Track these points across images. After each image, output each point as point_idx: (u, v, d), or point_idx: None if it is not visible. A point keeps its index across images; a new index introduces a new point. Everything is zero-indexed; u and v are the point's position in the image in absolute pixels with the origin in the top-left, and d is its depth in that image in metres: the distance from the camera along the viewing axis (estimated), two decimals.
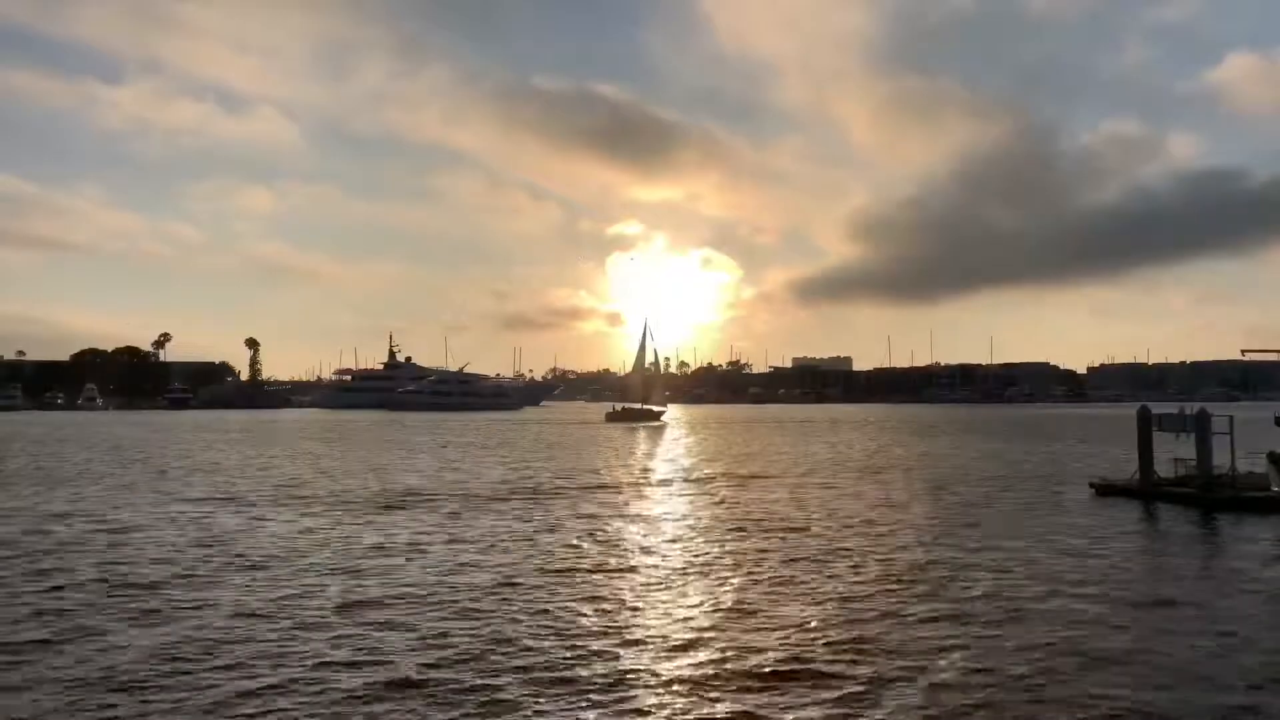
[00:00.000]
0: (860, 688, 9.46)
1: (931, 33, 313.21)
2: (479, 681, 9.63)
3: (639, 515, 23.04)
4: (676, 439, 62.64)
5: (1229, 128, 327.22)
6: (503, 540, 18.77)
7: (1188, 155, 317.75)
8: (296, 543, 18.49)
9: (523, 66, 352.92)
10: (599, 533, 19.93)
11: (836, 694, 9.28)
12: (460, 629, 11.71)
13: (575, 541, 18.64)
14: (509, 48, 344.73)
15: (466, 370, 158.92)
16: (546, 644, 10.99)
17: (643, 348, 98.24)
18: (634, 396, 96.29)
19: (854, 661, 10.34)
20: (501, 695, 9.21)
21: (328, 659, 10.38)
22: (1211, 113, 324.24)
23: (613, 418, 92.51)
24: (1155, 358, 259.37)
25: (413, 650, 10.75)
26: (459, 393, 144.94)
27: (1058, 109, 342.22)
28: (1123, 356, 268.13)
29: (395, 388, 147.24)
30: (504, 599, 13.40)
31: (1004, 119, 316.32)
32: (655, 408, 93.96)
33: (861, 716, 8.72)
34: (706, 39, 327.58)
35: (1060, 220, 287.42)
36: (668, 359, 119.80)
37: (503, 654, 10.61)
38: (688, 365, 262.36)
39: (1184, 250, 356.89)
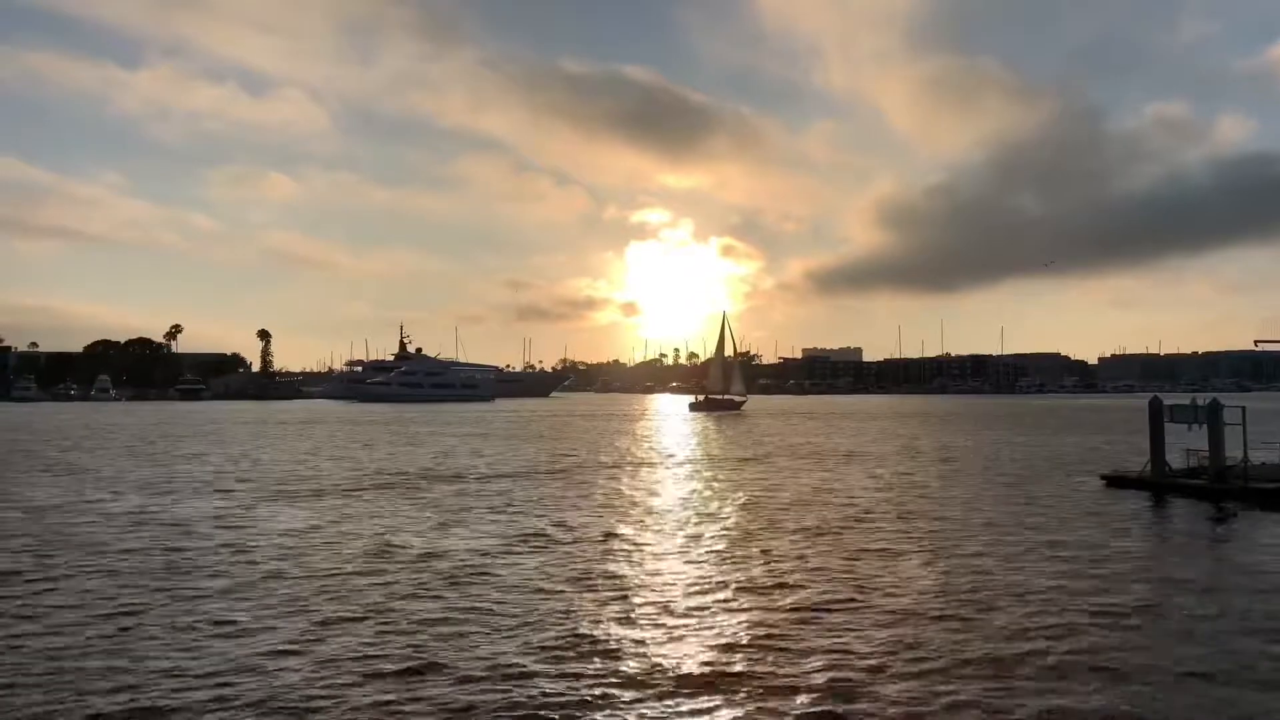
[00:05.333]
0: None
1: (977, 8, 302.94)
2: None
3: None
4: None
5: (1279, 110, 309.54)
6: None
7: (1238, 139, 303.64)
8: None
9: (551, 49, 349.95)
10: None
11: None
12: None
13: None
14: (538, 29, 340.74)
15: (441, 359, 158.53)
16: None
17: (722, 339, 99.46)
18: (712, 388, 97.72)
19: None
20: None
21: None
22: (1267, 93, 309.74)
23: (696, 408, 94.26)
24: (1168, 348, 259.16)
25: None
26: (428, 384, 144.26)
27: (1105, 90, 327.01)
28: (1135, 347, 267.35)
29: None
30: None
31: (1046, 101, 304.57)
32: (736, 398, 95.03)
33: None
34: (746, 17, 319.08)
35: (1091, 208, 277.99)
36: (746, 353, 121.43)
37: None
38: (697, 356, 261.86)
39: (1213, 238, 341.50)
